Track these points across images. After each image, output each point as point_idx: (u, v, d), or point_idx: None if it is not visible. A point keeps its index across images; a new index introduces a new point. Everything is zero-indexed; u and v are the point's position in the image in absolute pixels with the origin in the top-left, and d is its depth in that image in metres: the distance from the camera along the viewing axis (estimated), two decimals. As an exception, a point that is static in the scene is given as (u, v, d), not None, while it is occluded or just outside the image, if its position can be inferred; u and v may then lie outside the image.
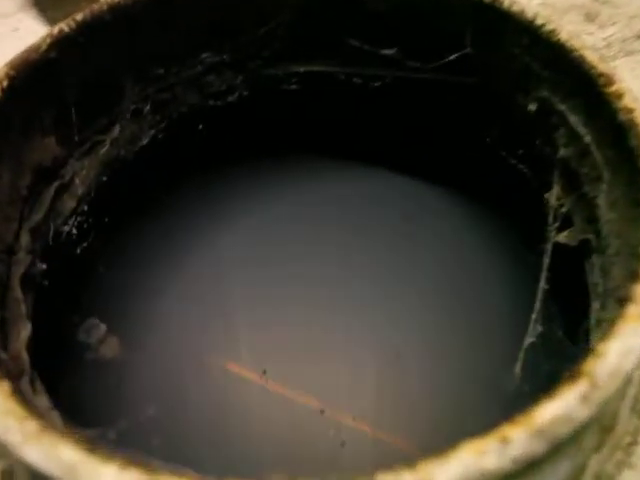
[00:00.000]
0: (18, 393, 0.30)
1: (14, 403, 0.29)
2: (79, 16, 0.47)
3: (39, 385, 0.41)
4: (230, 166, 0.61)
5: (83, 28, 0.48)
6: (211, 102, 0.61)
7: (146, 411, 0.51)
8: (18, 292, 0.44)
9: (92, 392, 0.53)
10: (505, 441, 0.24)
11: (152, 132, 0.58)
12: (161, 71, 0.56)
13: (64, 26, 0.47)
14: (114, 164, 0.55)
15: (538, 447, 0.25)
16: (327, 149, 0.64)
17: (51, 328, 0.49)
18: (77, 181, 0.52)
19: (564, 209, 0.51)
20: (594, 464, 0.32)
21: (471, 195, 0.61)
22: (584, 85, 0.45)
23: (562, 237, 0.51)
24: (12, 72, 0.43)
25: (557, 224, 0.51)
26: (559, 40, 0.47)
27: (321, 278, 0.60)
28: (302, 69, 0.60)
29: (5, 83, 0.43)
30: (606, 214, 0.44)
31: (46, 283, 0.47)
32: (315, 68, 0.60)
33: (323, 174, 0.64)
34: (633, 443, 0.37)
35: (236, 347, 0.55)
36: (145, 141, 0.58)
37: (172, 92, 0.58)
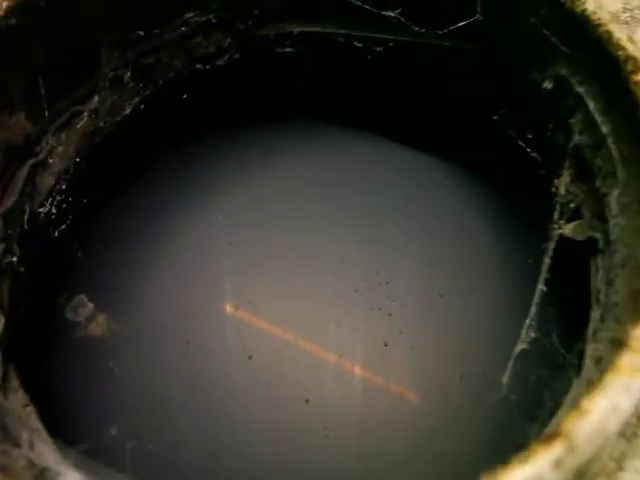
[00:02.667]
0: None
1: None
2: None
3: (14, 381, 0.40)
4: (218, 136, 0.57)
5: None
6: (199, 66, 0.56)
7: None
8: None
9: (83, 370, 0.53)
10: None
11: (135, 100, 0.54)
12: (141, 33, 0.51)
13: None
14: (94, 137, 0.52)
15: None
16: (323, 116, 0.59)
17: (33, 313, 0.48)
18: (54, 158, 0.49)
19: (573, 200, 0.47)
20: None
21: (473, 172, 0.57)
22: (608, 68, 0.40)
23: (569, 229, 0.47)
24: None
25: (566, 214, 0.47)
26: (584, 11, 0.41)
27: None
28: (297, 30, 0.55)
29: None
30: (616, 217, 0.40)
31: (22, 270, 0.46)
32: (311, 29, 0.54)
33: (318, 142, 0.60)
34: (617, 469, 0.35)
35: (223, 329, 0.54)
36: (128, 110, 0.54)
37: (156, 56, 0.54)
